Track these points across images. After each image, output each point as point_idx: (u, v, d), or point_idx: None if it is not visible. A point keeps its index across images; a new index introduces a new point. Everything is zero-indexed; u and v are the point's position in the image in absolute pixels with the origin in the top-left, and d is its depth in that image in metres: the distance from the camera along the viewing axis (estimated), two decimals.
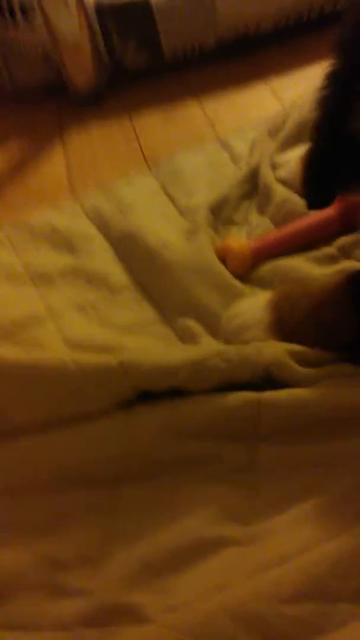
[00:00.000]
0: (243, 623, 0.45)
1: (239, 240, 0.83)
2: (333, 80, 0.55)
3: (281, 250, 0.80)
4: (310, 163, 0.62)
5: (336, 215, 0.78)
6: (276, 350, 0.62)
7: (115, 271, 0.84)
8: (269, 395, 0.59)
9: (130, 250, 0.85)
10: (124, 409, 0.62)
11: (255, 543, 0.53)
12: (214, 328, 0.72)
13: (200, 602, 0.49)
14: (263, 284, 0.77)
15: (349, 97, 0.52)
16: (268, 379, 0.62)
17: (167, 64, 1.30)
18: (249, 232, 0.87)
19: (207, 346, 0.65)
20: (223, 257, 0.79)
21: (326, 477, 0.56)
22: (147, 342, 0.72)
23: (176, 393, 0.62)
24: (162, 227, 0.87)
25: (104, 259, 0.86)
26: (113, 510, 0.59)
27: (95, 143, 1.19)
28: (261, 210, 0.89)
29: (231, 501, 0.57)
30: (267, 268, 0.79)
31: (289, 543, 0.51)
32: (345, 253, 0.77)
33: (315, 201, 0.66)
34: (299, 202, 0.84)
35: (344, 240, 0.77)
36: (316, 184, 0.63)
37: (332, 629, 0.44)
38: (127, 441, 0.60)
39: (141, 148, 1.14)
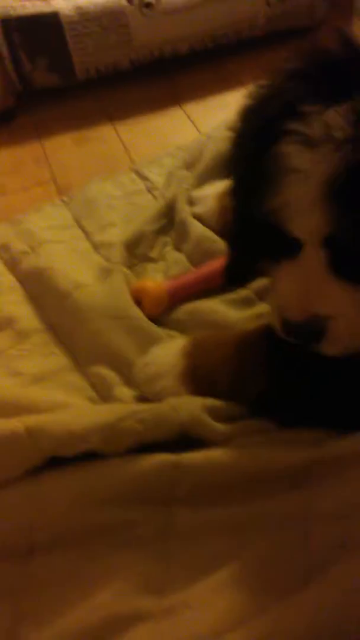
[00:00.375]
0: None
1: (155, 280, 0.81)
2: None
3: (197, 290, 0.79)
4: (229, 242, 0.63)
5: None
6: (192, 407, 0.61)
7: (24, 313, 0.79)
8: (185, 457, 0.58)
9: (40, 290, 0.81)
10: (32, 476, 0.58)
11: (170, 618, 0.51)
12: (128, 376, 0.69)
13: None
14: (180, 327, 0.76)
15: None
16: (183, 436, 0.60)
17: (80, 83, 1.26)
18: (166, 269, 0.85)
19: (121, 406, 0.63)
20: (139, 298, 0.77)
21: (243, 542, 0.55)
22: (58, 395, 0.69)
23: (89, 455, 0.59)
24: (74, 264, 0.84)
25: (11, 300, 0.81)
26: (24, 586, 0.56)
27: (2, 164, 1.13)
28: (178, 247, 0.88)
29: (147, 570, 0.55)
30: (185, 310, 0.77)
31: (203, 621, 0.49)
32: (261, 296, 0.76)
33: (233, 277, 0.67)
34: (215, 240, 0.83)
35: (259, 283, 0.76)
36: (234, 264, 0.63)
37: None
38: (36, 511, 0.57)
39: (51, 170, 1.10)
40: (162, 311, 0.77)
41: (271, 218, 0.51)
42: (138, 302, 0.76)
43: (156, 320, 0.76)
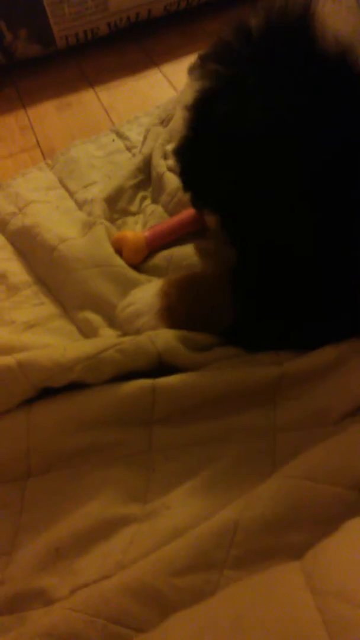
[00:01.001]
0: (140, 598, 0.50)
1: (134, 231, 0.86)
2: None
3: (174, 237, 0.84)
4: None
5: None
6: (167, 337, 0.66)
7: (14, 269, 0.85)
8: (161, 381, 0.63)
9: (29, 246, 0.86)
10: (25, 406, 0.64)
11: (152, 519, 0.58)
12: (112, 318, 0.75)
13: (103, 581, 0.53)
14: (158, 272, 0.81)
15: None
16: (162, 366, 0.66)
17: (60, 50, 1.29)
18: (145, 220, 0.90)
19: (102, 339, 0.68)
20: (119, 248, 0.82)
21: (215, 452, 0.61)
22: (48, 339, 0.75)
23: (77, 386, 0.65)
24: (59, 221, 0.89)
25: (2, 257, 0.87)
26: (20, 504, 0.62)
27: None
28: (155, 200, 0.92)
29: (131, 482, 0.61)
30: (162, 256, 0.82)
31: (180, 516, 0.56)
32: None
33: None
34: None
35: None
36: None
37: (217, 592, 0.49)
38: (31, 438, 0.63)
39: (36, 137, 1.14)
40: (142, 259, 0.82)
41: None
42: (119, 251, 0.82)
43: (136, 267, 0.81)
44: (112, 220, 0.89)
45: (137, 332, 0.70)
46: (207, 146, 0.60)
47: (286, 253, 0.61)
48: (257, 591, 0.41)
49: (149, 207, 0.91)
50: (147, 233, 0.83)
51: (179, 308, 0.70)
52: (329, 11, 0.53)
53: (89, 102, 1.20)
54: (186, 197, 0.86)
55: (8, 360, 0.63)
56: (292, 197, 0.56)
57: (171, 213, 0.87)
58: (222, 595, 0.45)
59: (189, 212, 0.83)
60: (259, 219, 0.60)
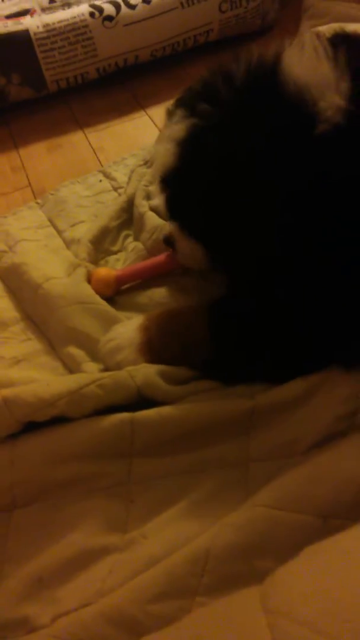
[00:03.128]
0: (117, 624, 0.53)
1: (109, 268, 0.91)
2: None
3: (143, 277, 0.89)
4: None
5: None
6: (146, 372, 0.70)
7: (3, 305, 0.89)
8: (140, 414, 0.66)
9: (17, 284, 0.90)
10: (9, 440, 0.67)
11: (131, 548, 0.60)
12: (95, 354, 0.78)
13: (83, 608, 0.56)
14: (140, 308, 0.85)
15: None
16: (142, 399, 0.69)
17: (52, 94, 1.36)
18: (125, 257, 0.95)
19: (84, 375, 0.72)
20: (90, 280, 0.87)
21: (191, 482, 0.64)
22: (34, 374, 0.78)
23: (60, 420, 0.68)
24: (46, 259, 0.93)
25: None
26: (8, 533, 0.65)
27: None
28: (136, 237, 0.97)
29: (111, 512, 0.64)
30: (144, 294, 0.86)
31: (157, 546, 0.59)
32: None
33: None
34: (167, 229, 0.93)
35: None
36: None
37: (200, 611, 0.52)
38: (15, 471, 0.66)
39: (27, 177, 1.19)
40: (111, 292, 0.87)
41: None
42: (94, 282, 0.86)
43: (121, 304, 0.85)
44: (96, 261, 0.94)
45: (118, 365, 0.73)
46: (197, 177, 0.66)
47: (265, 287, 0.65)
48: (218, 615, 0.44)
49: (131, 244, 0.96)
50: (119, 272, 0.88)
51: (158, 342, 0.74)
52: (294, 59, 0.62)
53: (79, 143, 1.26)
54: (163, 234, 0.91)
55: None
56: (270, 229, 0.61)
57: (149, 249, 0.92)
58: (187, 619, 0.48)
59: (160, 257, 0.88)
60: (242, 245, 0.65)
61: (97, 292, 0.84)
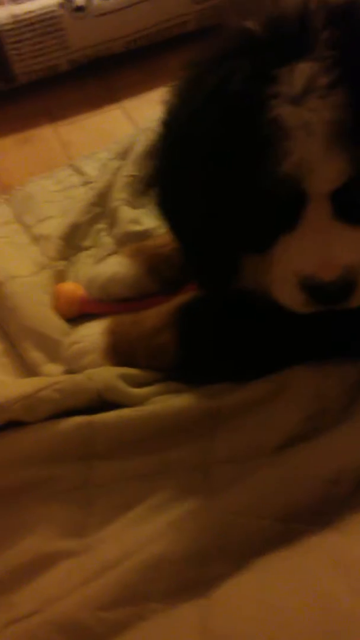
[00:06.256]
0: (67, 632, 0.51)
1: (75, 285, 0.86)
2: None
3: (105, 313, 0.81)
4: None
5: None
6: (106, 375, 0.68)
7: None
8: (99, 417, 0.65)
9: None
10: None
11: (88, 553, 0.59)
12: (56, 355, 0.77)
13: (33, 615, 0.54)
14: None
15: None
16: (105, 403, 0.68)
17: (22, 86, 1.33)
18: (97, 253, 0.93)
19: (41, 378, 0.70)
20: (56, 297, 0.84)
21: (153, 486, 0.63)
22: None
23: (16, 424, 0.66)
24: (11, 256, 0.91)
25: None
26: None
27: None
28: (109, 231, 0.95)
29: (69, 516, 0.63)
30: None
31: (113, 551, 0.57)
32: None
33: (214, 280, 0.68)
34: (141, 222, 0.92)
35: None
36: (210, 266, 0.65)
37: (141, 625, 0.50)
38: None
39: None
40: (75, 313, 0.83)
41: (274, 186, 0.50)
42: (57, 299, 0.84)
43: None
44: (66, 257, 0.92)
45: (83, 369, 0.71)
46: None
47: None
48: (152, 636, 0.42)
49: (104, 238, 0.94)
50: (86, 296, 0.83)
51: (123, 347, 0.73)
52: None
53: (48, 137, 1.23)
54: (136, 228, 0.89)
55: None
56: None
57: (121, 244, 0.90)
58: (132, 634, 0.47)
59: (130, 304, 0.83)
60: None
61: (59, 310, 0.82)
